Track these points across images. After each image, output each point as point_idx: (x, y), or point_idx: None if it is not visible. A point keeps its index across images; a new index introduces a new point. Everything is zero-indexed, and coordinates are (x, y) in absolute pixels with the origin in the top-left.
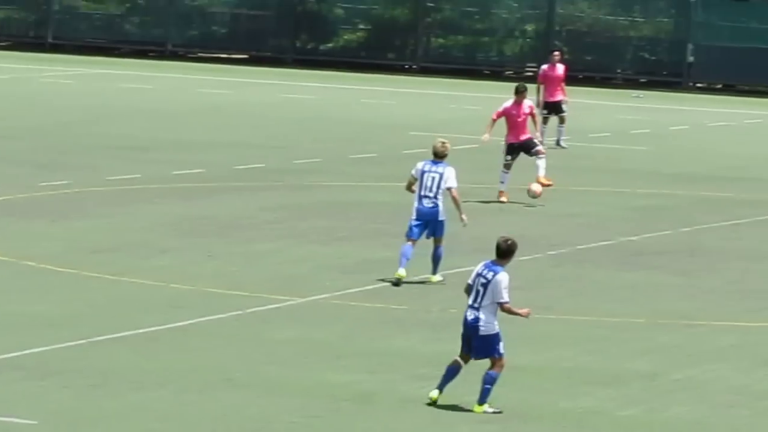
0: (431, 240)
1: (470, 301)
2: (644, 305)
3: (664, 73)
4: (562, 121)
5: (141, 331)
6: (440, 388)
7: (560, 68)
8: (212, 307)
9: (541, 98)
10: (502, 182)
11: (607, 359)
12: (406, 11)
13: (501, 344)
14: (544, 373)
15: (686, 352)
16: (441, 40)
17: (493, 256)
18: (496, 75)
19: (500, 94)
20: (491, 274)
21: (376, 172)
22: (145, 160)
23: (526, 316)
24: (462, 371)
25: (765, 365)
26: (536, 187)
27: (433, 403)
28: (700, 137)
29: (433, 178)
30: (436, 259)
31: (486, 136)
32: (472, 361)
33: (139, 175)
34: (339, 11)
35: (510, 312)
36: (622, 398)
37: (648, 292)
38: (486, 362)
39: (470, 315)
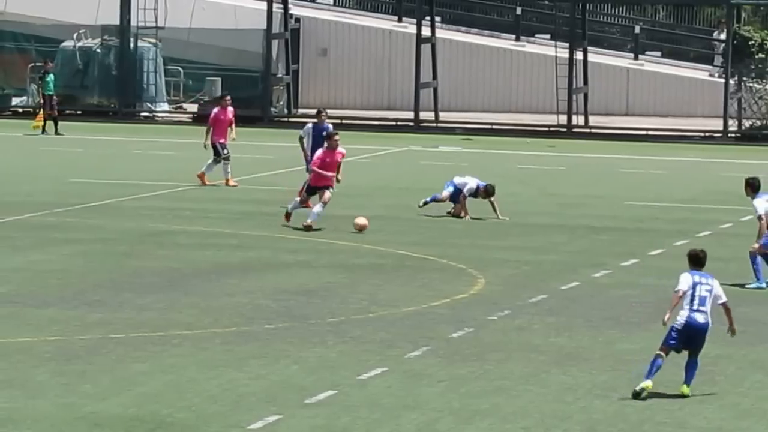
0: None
1: (697, 306)
2: None
3: None
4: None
5: None
6: (648, 377)
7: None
8: None
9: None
10: None
11: None
12: None
13: None
14: None
15: None
16: None
17: None
18: None
19: None
20: (711, 280)
21: None
22: None
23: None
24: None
25: None
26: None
27: (640, 393)
28: None
29: None
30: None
31: None
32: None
33: None
34: None
35: (728, 310)
36: None
37: None
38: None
39: (701, 318)
